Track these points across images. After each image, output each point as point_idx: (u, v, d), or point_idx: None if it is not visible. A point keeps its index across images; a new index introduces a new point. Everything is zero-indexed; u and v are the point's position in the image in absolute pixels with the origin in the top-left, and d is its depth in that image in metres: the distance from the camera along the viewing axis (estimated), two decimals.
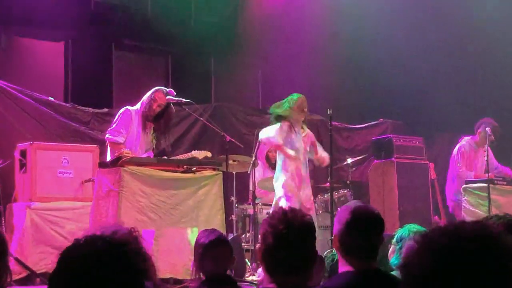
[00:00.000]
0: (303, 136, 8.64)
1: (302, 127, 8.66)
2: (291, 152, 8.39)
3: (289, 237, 3.01)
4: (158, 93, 7.81)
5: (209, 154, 8.61)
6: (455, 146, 10.60)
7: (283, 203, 8.23)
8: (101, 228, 2.94)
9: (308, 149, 8.69)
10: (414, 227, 4.60)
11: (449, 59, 13.31)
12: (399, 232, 4.63)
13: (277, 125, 8.52)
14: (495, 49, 13.24)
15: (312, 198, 8.87)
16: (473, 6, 12.74)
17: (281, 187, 8.44)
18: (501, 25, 12.94)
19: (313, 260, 3.10)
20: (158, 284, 2.97)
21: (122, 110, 7.90)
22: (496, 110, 11.70)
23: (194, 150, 8.54)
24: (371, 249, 3.51)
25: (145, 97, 7.83)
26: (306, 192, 8.65)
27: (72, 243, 2.00)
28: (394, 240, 4.63)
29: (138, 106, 7.89)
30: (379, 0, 12.78)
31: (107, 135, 7.82)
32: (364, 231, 3.47)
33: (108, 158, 7.72)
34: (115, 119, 7.87)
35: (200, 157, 8.45)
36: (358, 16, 12.55)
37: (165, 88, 7.93)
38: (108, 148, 7.87)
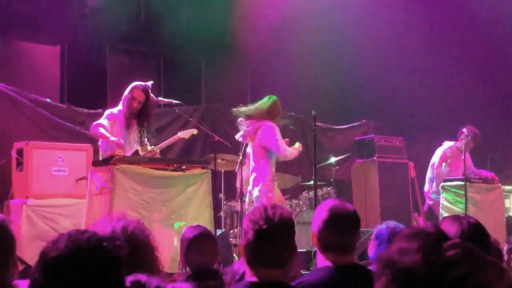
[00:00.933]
0: None
1: None
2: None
3: (269, 232, 3.01)
4: (136, 91, 7.70)
5: (195, 131, 8.60)
6: (435, 148, 10.60)
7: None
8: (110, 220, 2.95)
9: None
10: (392, 224, 4.62)
11: (429, 63, 13.34)
12: (378, 229, 4.64)
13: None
14: (476, 53, 13.28)
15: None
16: (456, 11, 12.76)
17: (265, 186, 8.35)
18: (484, 28, 12.98)
19: (292, 254, 3.10)
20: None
21: (106, 112, 7.87)
22: (475, 112, 11.74)
23: (180, 132, 8.53)
24: (348, 244, 3.53)
25: (124, 97, 7.75)
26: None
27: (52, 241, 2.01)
28: (373, 236, 4.65)
29: (120, 106, 7.83)
30: (363, 4, 12.78)
31: (92, 130, 7.75)
32: (340, 227, 3.49)
33: (101, 156, 7.72)
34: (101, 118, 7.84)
35: (187, 137, 8.45)
36: (341, 20, 12.55)
37: (141, 83, 7.76)
38: (100, 148, 7.85)
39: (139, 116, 7.84)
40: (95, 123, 7.73)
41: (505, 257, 4.16)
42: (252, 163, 8.29)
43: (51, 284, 1.93)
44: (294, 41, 12.68)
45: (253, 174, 8.26)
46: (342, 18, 12.62)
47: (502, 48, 13.53)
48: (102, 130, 7.57)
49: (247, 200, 8.92)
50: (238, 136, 8.46)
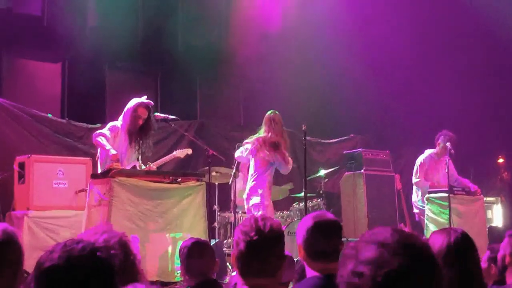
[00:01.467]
0: None
1: None
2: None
3: (259, 243, 3.03)
4: (141, 109, 7.70)
5: (189, 151, 8.61)
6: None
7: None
8: (93, 233, 2.94)
9: None
10: None
11: (414, 79, 13.40)
12: None
13: None
14: (459, 70, 13.34)
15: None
16: (442, 31, 12.81)
17: (261, 196, 8.45)
18: (466, 46, 13.04)
19: (281, 264, 3.11)
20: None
21: (109, 124, 7.81)
22: (457, 127, 11.76)
23: (176, 151, 8.55)
24: (333, 251, 3.53)
25: (127, 112, 7.71)
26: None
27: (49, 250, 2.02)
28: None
29: (120, 120, 7.78)
30: (352, 22, 12.84)
31: (94, 137, 7.66)
32: (323, 234, 3.52)
33: (99, 170, 7.71)
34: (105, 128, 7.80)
35: (182, 156, 8.46)
36: (332, 38, 12.60)
37: (144, 100, 7.76)
38: (98, 162, 7.83)
39: (140, 131, 7.84)
40: (97, 131, 7.66)
41: (485, 265, 4.18)
42: (254, 173, 8.37)
43: None
44: (284, 60, 12.72)
45: (253, 183, 8.34)
46: (332, 36, 12.67)
47: (484, 65, 13.61)
48: (103, 140, 7.51)
49: (241, 210, 8.96)
50: (244, 154, 8.54)
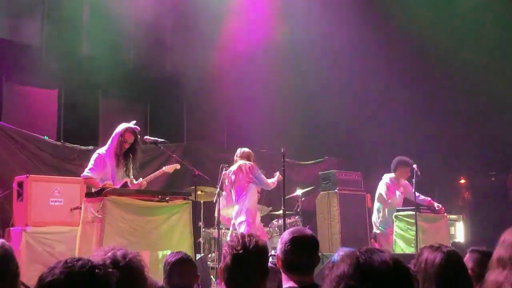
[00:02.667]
0: None
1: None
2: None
3: (244, 257, 3.03)
4: (127, 134, 7.70)
5: (178, 167, 8.59)
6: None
7: (243, 228, 8.32)
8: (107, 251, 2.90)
9: None
10: (343, 251, 4.60)
11: (383, 108, 13.50)
12: (335, 256, 4.64)
13: None
14: (422, 98, 13.46)
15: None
16: (410, 61, 12.91)
17: (246, 214, 8.55)
18: (430, 74, 13.16)
19: (264, 278, 3.11)
20: None
21: (95, 155, 7.76)
22: (421, 149, 11.86)
23: (165, 166, 8.52)
24: (308, 263, 3.56)
25: (115, 137, 7.71)
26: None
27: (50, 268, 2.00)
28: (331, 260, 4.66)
29: (107, 146, 7.77)
30: (326, 50, 12.94)
31: (83, 174, 7.73)
32: (301, 248, 3.54)
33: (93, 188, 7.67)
34: (91, 161, 7.77)
35: (171, 171, 8.44)
36: (306, 66, 12.69)
37: (131, 126, 7.76)
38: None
39: (127, 153, 7.82)
40: (85, 174, 7.64)
41: None
42: (235, 197, 8.53)
43: None
44: (264, 90, 12.78)
45: (237, 207, 8.48)
46: (307, 67, 12.77)
47: (445, 94, 13.75)
48: (92, 181, 7.56)
49: (225, 227, 8.94)
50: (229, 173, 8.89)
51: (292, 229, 3.74)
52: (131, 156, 7.84)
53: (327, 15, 12.80)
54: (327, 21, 12.74)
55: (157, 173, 8.34)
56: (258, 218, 8.87)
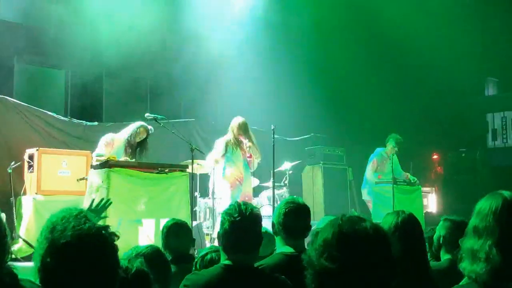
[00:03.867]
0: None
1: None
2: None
3: (241, 223, 3.03)
4: (143, 130, 8.04)
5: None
6: (369, 156, 10.70)
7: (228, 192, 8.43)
8: None
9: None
10: (329, 218, 4.61)
11: (364, 87, 13.46)
12: (317, 224, 4.64)
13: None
14: (404, 80, 13.43)
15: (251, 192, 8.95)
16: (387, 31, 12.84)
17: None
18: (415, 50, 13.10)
19: (259, 242, 3.12)
20: None
21: (105, 136, 7.98)
22: (401, 127, 11.85)
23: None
24: (302, 229, 3.64)
25: (131, 129, 8.01)
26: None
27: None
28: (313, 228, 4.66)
29: (122, 133, 8.04)
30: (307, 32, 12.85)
31: (94, 153, 7.83)
32: (295, 214, 3.61)
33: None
34: (100, 141, 7.92)
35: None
36: (294, 47, 12.62)
37: (147, 126, 8.11)
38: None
39: (136, 146, 8.03)
40: (97, 154, 7.78)
41: None
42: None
43: (61, 266, 1.90)
44: (255, 70, 12.71)
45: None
46: (295, 48, 12.69)
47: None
48: (103, 158, 7.63)
49: (218, 196, 8.93)
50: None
51: (286, 198, 3.82)
52: (139, 148, 8.06)
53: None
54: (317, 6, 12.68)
55: None
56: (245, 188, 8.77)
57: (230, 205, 3.17)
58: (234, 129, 8.70)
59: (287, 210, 3.61)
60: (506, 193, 2.42)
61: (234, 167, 8.68)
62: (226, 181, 8.66)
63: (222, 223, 3.09)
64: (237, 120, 8.74)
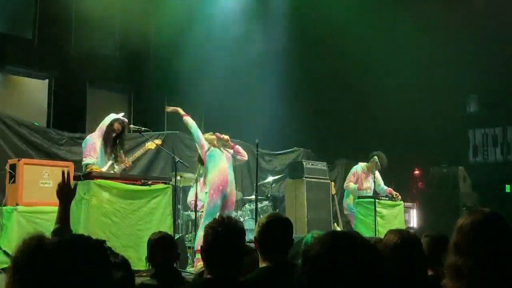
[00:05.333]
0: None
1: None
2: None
3: (225, 237, 3.02)
4: (116, 124, 7.74)
5: (159, 142, 8.50)
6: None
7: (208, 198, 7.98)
8: None
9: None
10: (316, 233, 4.63)
11: (348, 100, 13.55)
12: (305, 238, 4.65)
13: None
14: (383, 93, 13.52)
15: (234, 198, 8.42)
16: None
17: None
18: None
19: (242, 256, 3.10)
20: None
21: (87, 139, 7.77)
22: (381, 144, 11.92)
23: (147, 143, 8.43)
24: (283, 244, 3.56)
25: (104, 126, 7.71)
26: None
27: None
28: (303, 243, 4.66)
29: (97, 132, 7.75)
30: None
31: (84, 163, 7.68)
32: (276, 230, 3.55)
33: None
34: (84, 148, 7.73)
35: (153, 147, 8.34)
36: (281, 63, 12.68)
37: (120, 117, 7.79)
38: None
39: (114, 141, 7.82)
40: (85, 161, 7.58)
41: None
42: None
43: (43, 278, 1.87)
44: (240, 85, 12.75)
45: None
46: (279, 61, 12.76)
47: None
48: (92, 166, 7.48)
49: (200, 210, 8.83)
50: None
51: (268, 213, 3.77)
52: (118, 144, 7.85)
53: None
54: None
55: (140, 151, 8.30)
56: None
57: (213, 219, 3.16)
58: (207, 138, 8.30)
59: (265, 225, 3.56)
60: (486, 209, 2.45)
61: (216, 170, 8.14)
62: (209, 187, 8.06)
63: (206, 237, 3.07)
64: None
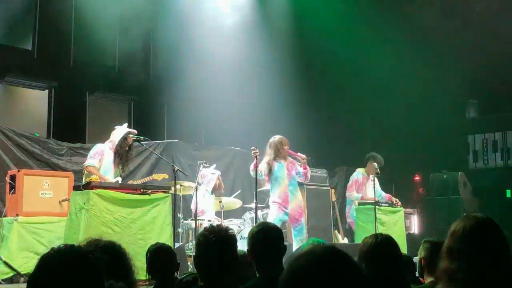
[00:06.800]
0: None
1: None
2: None
3: (217, 244, 3.05)
4: (129, 137, 7.94)
5: (166, 176, 8.63)
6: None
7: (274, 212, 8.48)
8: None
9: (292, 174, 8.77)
10: (315, 240, 4.64)
11: (349, 107, 13.58)
12: (304, 244, 4.66)
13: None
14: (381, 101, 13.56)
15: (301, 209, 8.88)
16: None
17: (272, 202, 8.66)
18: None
19: (235, 262, 3.12)
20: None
21: (97, 145, 7.96)
22: (383, 148, 11.95)
23: (154, 174, 8.56)
24: (275, 253, 3.53)
25: (117, 137, 7.89)
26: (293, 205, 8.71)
27: (48, 252, 1.98)
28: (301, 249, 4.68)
29: (109, 143, 7.91)
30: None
31: (85, 164, 7.78)
32: (266, 239, 3.55)
33: (84, 181, 7.67)
34: (90, 152, 7.86)
35: (159, 179, 8.46)
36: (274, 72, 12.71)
37: (131, 130, 8.03)
38: (84, 174, 7.80)
39: (125, 154, 7.96)
40: (87, 163, 7.76)
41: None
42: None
43: None
44: (239, 94, 12.77)
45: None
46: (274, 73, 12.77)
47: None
48: (93, 169, 7.66)
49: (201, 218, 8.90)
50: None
51: (258, 223, 3.79)
52: (127, 156, 8.02)
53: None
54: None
55: (146, 178, 8.45)
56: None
57: (205, 228, 3.19)
58: (278, 145, 8.67)
59: (255, 235, 3.55)
60: (478, 214, 2.47)
61: (277, 187, 8.65)
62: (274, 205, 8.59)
63: (198, 245, 3.10)
64: (276, 137, 8.78)
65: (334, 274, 1.67)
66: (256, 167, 8.29)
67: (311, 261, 1.74)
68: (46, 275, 1.89)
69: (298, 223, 8.71)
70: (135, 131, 8.03)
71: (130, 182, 8.04)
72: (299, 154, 8.83)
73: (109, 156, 7.85)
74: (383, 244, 3.26)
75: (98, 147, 7.89)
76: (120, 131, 7.94)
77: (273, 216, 8.57)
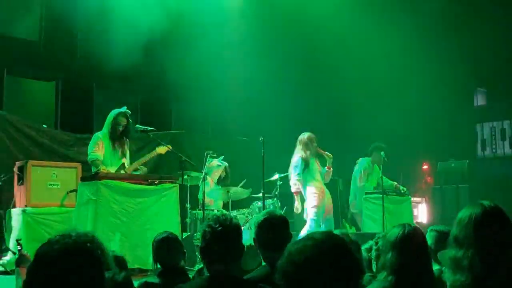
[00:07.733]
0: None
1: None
2: None
3: (223, 234, 3.06)
4: (120, 117, 7.82)
5: (169, 147, 8.54)
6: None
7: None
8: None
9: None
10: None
11: (354, 95, 13.53)
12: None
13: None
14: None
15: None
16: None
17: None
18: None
19: (241, 252, 3.14)
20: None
21: (94, 138, 7.89)
22: (391, 137, 11.91)
23: (157, 147, 8.44)
24: (280, 240, 3.55)
25: (109, 122, 7.82)
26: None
27: (45, 243, 1.99)
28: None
29: (104, 129, 7.86)
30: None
31: (89, 158, 7.79)
32: (272, 227, 3.61)
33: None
34: (90, 144, 7.88)
35: (163, 152, 8.34)
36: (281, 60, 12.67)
37: (122, 110, 7.87)
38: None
39: (121, 136, 7.87)
40: (90, 157, 7.76)
41: None
42: None
43: (45, 282, 1.89)
44: (245, 84, 12.75)
45: None
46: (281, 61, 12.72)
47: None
48: (97, 162, 7.65)
49: (209, 208, 8.91)
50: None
51: (264, 212, 3.85)
52: (125, 138, 7.93)
53: None
54: None
55: (151, 154, 8.33)
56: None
57: (209, 217, 3.20)
58: (308, 143, 8.99)
59: (261, 223, 3.61)
60: (485, 202, 2.47)
61: (314, 181, 8.90)
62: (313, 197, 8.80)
63: (204, 235, 3.11)
64: (305, 134, 9.09)
65: (332, 258, 1.68)
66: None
67: (309, 246, 1.75)
68: (45, 266, 1.90)
69: (330, 214, 8.97)
70: (129, 111, 7.90)
71: (135, 164, 7.94)
72: (326, 152, 9.03)
73: (107, 142, 7.81)
74: (410, 235, 3.21)
75: (95, 137, 7.85)
76: (110, 114, 7.86)
77: (317, 202, 8.78)
